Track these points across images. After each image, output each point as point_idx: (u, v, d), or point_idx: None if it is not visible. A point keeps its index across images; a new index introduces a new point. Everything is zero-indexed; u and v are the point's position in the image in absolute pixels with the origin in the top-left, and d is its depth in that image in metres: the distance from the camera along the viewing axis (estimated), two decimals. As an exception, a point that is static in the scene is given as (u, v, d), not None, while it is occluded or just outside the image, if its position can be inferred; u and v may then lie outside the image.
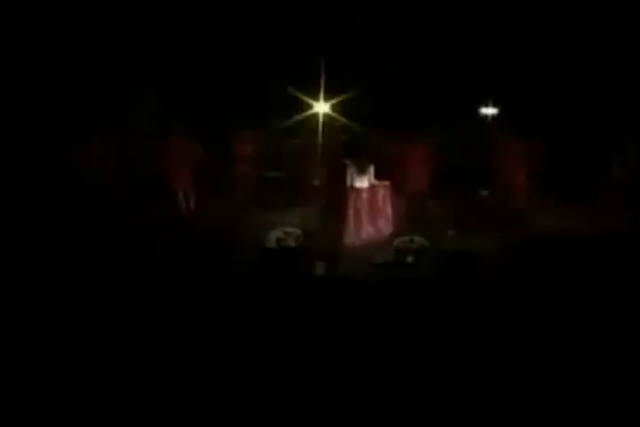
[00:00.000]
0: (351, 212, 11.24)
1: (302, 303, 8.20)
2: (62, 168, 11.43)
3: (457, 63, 12.63)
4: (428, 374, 6.68)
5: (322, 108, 13.37)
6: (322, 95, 13.15)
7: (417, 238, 10.31)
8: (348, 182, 11.35)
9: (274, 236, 10.41)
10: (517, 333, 7.41)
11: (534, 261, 9.19)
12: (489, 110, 12.81)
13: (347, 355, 7.00)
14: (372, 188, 11.47)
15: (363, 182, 11.42)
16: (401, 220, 11.47)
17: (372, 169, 11.48)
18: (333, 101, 13.13)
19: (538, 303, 8.05)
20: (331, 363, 6.83)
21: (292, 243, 10.33)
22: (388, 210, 11.56)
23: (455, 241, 10.71)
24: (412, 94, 12.59)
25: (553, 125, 12.01)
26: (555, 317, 7.72)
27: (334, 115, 13.23)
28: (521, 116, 12.15)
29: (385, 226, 11.51)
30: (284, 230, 10.47)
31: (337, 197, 11.46)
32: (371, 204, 11.46)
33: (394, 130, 12.05)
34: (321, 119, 13.20)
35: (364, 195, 11.43)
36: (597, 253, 9.38)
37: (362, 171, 11.38)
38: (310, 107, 13.25)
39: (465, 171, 11.96)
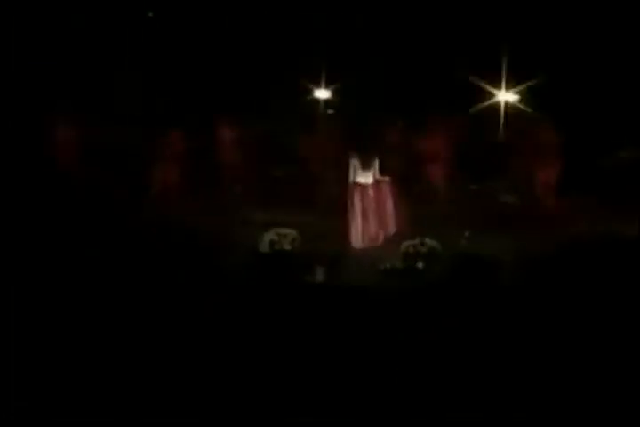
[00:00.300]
0: (357, 210, 10.71)
1: (298, 314, 7.96)
2: (45, 162, 11.56)
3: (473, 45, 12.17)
4: (432, 377, 6.74)
5: (323, 94, 12.85)
6: (323, 80, 12.70)
7: (428, 241, 9.75)
8: (351, 178, 10.76)
9: (267, 238, 9.90)
10: (535, 340, 7.30)
11: (558, 267, 8.94)
12: (509, 96, 12.13)
13: (348, 368, 6.91)
14: (377, 184, 10.84)
15: (367, 178, 10.79)
16: (407, 219, 10.86)
17: (376, 163, 10.85)
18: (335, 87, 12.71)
19: (559, 312, 7.92)
20: (330, 374, 6.81)
21: (287, 246, 9.83)
22: (393, 208, 10.94)
23: (471, 244, 10.14)
24: (425, 81, 12.18)
25: (586, 116, 11.57)
26: (573, 325, 7.62)
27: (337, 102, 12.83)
28: (550, 104, 11.68)
29: (391, 225, 10.88)
30: (279, 232, 9.94)
31: (339, 195, 10.92)
32: (377, 201, 10.85)
33: (403, 120, 11.82)
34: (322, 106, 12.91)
35: (370, 192, 10.81)
36: (628, 260, 9.11)
37: (366, 165, 10.75)
38: (310, 93, 12.79)
39: (484, 166, 11.63)
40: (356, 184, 10.75)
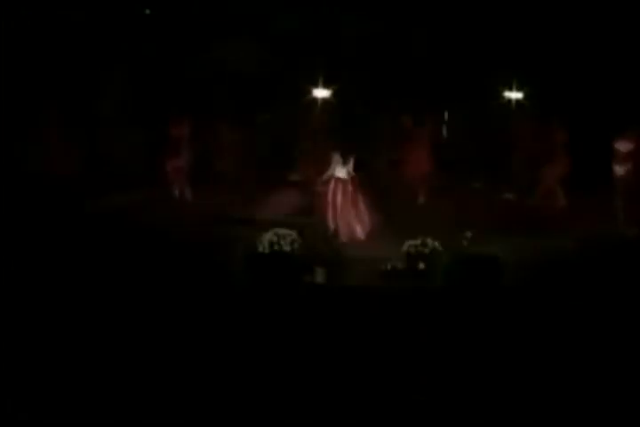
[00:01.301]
0: (338, 203, 10.78)
1: (298, 314, 7.92)
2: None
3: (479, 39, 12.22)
4: (434, 377, 6.75)
5: (321, 93, 12.64)
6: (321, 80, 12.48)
7: (429, 241, 9.58)
8: (331, 173, 10.91)
9: (266, 239, 9.67)
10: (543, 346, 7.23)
11: (561, 268, 8.91)
12: (512, 94, 12.05)
13: (348, 369, 6.88)
14: (351, 178, 10.92)
15: (343, 173, 10.92)
16: (385, 214, 10.93)
17: (352, 159, 10.96)
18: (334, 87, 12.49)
19: (563, 313, 7.86)
20: (331, 374, 6.80)
21: (286, 247, 9.61)
22: (365, 202, 11.00)
23: (473, 244, 9.83)
24: (427, 74, 12.15)
25: (594, 114, 11.48)
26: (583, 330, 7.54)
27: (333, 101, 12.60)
28: (555, 101, 11.62)
29: (368, 219, 10.86)
30: (278, 233, 9.73)
31: (325, 191, 10.99)
32: (354, 195, 10.91)
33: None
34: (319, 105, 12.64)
35: (349, 186, 10.89)
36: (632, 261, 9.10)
37: (345, 161, 10.92)
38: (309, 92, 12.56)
39: (486, 164, 11.56)
40: (337, 179, 10.84)
